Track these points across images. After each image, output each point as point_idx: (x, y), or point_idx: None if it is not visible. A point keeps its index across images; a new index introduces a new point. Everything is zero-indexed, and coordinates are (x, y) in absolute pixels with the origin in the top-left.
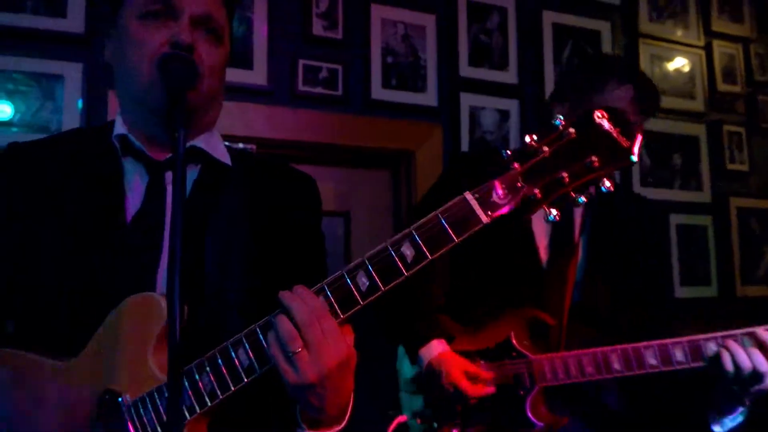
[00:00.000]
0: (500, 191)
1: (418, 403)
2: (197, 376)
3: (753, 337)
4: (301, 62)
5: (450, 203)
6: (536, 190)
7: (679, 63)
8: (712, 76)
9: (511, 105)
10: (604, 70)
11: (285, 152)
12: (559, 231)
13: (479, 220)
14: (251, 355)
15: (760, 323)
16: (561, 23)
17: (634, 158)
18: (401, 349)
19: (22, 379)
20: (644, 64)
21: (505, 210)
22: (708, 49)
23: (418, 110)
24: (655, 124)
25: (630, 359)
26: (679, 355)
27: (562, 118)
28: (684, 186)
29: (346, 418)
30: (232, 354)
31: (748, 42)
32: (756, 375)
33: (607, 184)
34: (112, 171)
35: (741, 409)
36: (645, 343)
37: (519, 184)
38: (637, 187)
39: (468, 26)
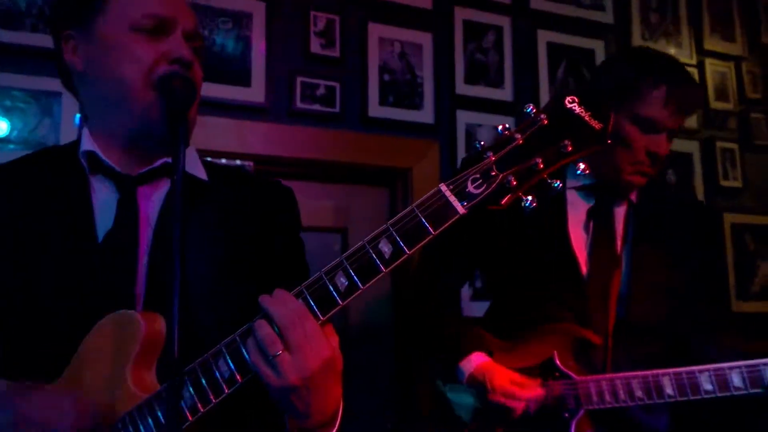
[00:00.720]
0: (475, 181)
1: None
2: None
3: None
4: (299, 79)
5: (425, 197)
6: (510, 178)
7: None
8: (704, 94)
9: (507, 122)
10: (635, 74)
11: (282, 169)
12: (600, 242)
13: (456, 212)
14: (231, 364)
15: (756, 339)
16: (555, 42)
17: (609, 140)
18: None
19: (1, 406)
20: None
21: (480, 199)
22: (700, 67)
23: (414, 127)
24: None
25: (684, 384)
26: (737, 380)
27: (533, 105)
28: None
29: (336, 425)
30: (212, 366)
31: (740, 60)
32: None
33: (582, 166)
34: (79, 190)
35: None
36: (699, 367)
37: (493, 173)
38: None
39: (464, 45)
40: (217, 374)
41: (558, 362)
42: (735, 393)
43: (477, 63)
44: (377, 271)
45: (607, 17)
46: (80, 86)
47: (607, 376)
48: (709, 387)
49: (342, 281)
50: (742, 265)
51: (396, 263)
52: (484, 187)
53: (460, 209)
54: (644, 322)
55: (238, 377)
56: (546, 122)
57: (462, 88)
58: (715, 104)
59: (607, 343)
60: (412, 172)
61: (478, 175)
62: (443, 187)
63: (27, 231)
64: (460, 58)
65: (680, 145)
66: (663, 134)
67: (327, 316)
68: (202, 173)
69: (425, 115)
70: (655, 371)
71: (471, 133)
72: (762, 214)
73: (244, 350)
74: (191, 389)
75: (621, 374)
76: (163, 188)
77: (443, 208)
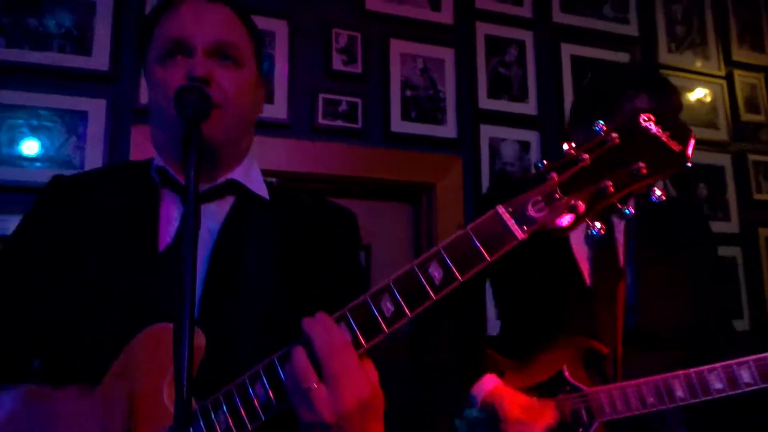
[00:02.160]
0: (536, 204)
1: None
2: (213, 415)
3: None
4: (321, 96)
5: (481, 219)
6: (577, 202)
7: (701, 93)
8: (734, 106)
9: (532, 136)
10: (614, 86)
11: (304, 185)
12: (601, 253)
13: (514, 237)
14: (269, 389)
15: None
16: (579, 55)
17: (688, 163)
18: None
19: (39, 415)
20: None
21: (541, 224)
22: (729, 78)
23: (437, 142)
24: None
25: (694, 385)
26: (746, 376)
27: (602, 123)
28: (711, 216)
29: None
30: (249, 389)
31: None
32: None
33: (658, 193)
34: (149, 202)
35: None
36: (708, 367)
37: (557, 196)
38: None
39: (486, 59)
40: (254, 398)
41: (567, 375)
42: (746, 389)
43: (500, 77)
44: (426, 297)
45: (632, 30)
46: None
47: (618, 384)
48: (719, 385)
49: (388, 306)
50: None
51: (447, 290)
52: (546, 211)
53: (519, 234)
54: (654, 330)
55: (275, 403)
56: (618, 141)
57: (485, 103)
58: (746, 116)
59: (616, 352)
60: (435, 187)
61: (539, 198)
62: (501, 210)
63: (96, 238)
64: (483, 72)
65: (711, 158)
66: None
67: (370, 343)
68: (264, 192)
69: (448, 129)
70: (664, 375)
71: (495, 147)
72: None
73: (282, 374)
74: (227, 412)
75: (632, 381)
76: (227, 205)
77: (500, 232)
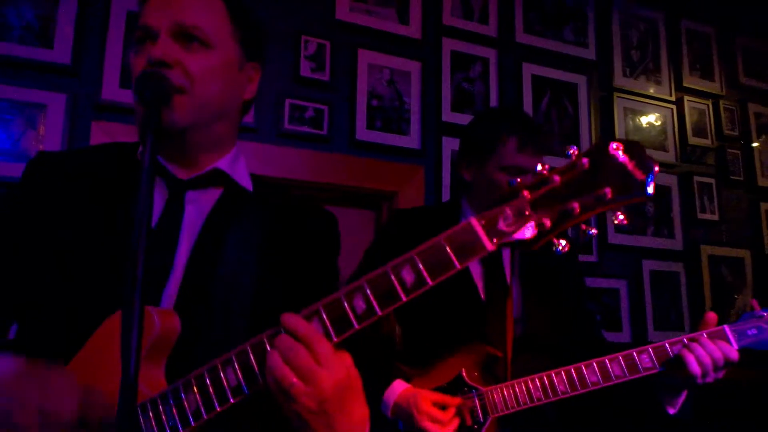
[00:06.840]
0: (507, 218)
1: None
2: (183, 395)
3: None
4: (288, 101)
5: (455, 228)
6: (545, 220)
7: (652, 117)
8: (683, 130)
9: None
10: (491, 130)
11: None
12: (492, 273)
13: (484, 247)
14: (240, 375)
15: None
16: (540, 75)
17: (650, 191)
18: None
19: (7, 384)
20: (618, 116)
21: (511, 238)
22: (679, 104)
23: (401, 152)
24: None
25: (573, 379)
26: (617, 370)
27: (575, 147)
28: (657, 233)
29: None
30: (221, 373)
31: (718, 98)
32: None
33: (620, 217)
34: (132, 186)
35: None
36: (584, 363)
37: (527, 213)
38: (611, 234)
39: (451, 74)
40: (225, 382)
41: (465, 377)
42: (616, 381)
43: (464, 92)
44: (397, 298)
45: (589, 53)
46: None
47: (509, 383)
48: (594, 378)
49: (360, 304)
50: (718, 296)
51: (417, 293)
52: (515, 226)
53: (489, 245)
54: (537, 339)
55: (245, 388)
56: (587, 167)
57: (448, 116)
58: (693, 140)
59: (506, 356)
60: (397, 195)
61: (510, 213)
62: (474, 222)
63: (76, 217)
64: (447, 86)
65: (659, 178)
66: (528, 176)
67: (341, 338)
68: (248, 183)
69: (412, 140)
70: (548, 372)
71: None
72: (737, 246)
73: (254, 362)
74: (197, 393)
75: (521, 379)
76: (212, 195)
77: (471, 242)
